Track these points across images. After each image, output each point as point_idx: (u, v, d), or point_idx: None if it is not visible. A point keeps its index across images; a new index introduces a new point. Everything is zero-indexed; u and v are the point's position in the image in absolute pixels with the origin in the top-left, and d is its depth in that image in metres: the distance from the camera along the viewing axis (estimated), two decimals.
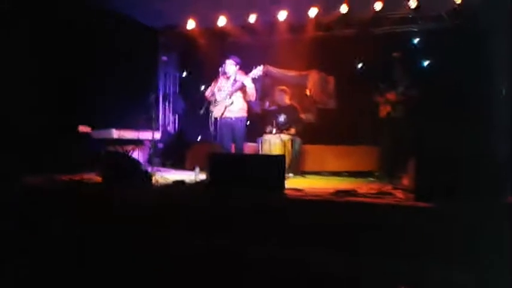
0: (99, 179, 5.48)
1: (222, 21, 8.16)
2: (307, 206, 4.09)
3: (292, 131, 6.92)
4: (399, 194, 4.49)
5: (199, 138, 9.01)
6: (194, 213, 4.21)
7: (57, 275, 2.91)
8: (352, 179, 6.57)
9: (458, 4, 6.95)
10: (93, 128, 6.62)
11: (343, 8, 7.44)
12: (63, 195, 4.75)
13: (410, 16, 7.54)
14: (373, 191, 4.56)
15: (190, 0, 7.32)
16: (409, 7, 7.22)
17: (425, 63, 7.69)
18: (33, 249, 3.58)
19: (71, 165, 6.05)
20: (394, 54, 6.59)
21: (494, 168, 4.01)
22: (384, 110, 6.58)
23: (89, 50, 7.00)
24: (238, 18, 8.07)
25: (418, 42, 7.78)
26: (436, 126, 6.71)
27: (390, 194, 4.48)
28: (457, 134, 6.11)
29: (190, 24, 8.40)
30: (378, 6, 7.27)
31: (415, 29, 7.70)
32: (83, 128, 6.66)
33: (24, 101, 6.25)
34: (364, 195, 4.36)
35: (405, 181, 4.74)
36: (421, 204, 3.87)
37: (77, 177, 5.51)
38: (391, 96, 6.48)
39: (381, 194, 4.47)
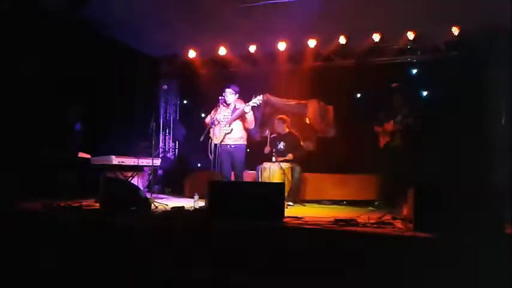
0: (97, 205, 5.46)
1: (222, 51, 8.31)
2: (307, 234, 4.07)
3: (290, 156, 6.94)
4: (398, 224, 4.47)
5: (198, 165, 9.02)
6: (192, 240, 4.18)
7: None
8: (352, 208, 6.54)
9: (456, 35, 7.08)
10: (92, 155, 6.63)
11: (342, 39, 7.59)
12: (61, 221, 4.72)
13: (408, 47, 7.68)
14: (372, 221, 4.54)
15: (191, 31, 7.46)
16: (407, 38, 7.36)
17: (424, 93, 7.78)
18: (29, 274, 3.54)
19: (70, 192, 6.04)
20: (393, 85, 6.67)
21: (494, 199, 4.01)
22: (383, 140, 6.63)
23: (90, 77, 7.10)
24: (239, 49, 8.23)
25: (417, 72, 7.90)
26: (434, 156, 6.74)
27: (390, 223, 4.46)
28: (456, 164, 6.13)
29: (191, 54, 8.55)
30: (376, 37, 7.43)
31: (414, 60, 7.82)
32: (82, 154, 6.69)
33: (25, 125, 6.32)
34: (363, 225, 4.34)
35: (405, 211, 4.72)
36: (420, 234, 3.84)
37: (75, 204, 5.49)
38: (389, 126, 6.54)
39: (380, 223, 4.44)
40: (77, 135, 6.85)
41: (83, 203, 5.57)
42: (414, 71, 7.94)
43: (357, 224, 4.37)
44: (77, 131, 6.88)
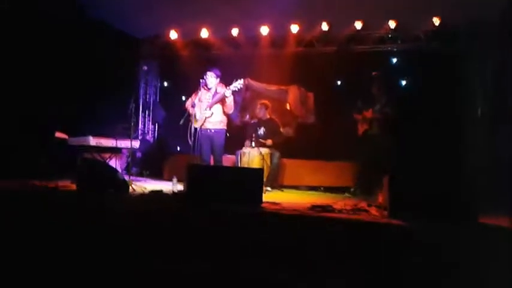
0: (74, 186, 5.40)
1: (204, 33, 8.21)
2: (284, 220, 4.12)
3: (269, 141, 6.97)
4: (373, 211, 4.56)
5: (178, 148, 8.98)
6: (170, 225, 4.19)
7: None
8: (329, 194, 6.64)
9: (437, 26, 7.15)
10: (70, 135, 6.53)
11: (324, 26, 7.59)
12: (36, 201, 4.66)
13: (389, 36, 7.72)
14: (348, 207, 4.62)
15: (173, 12, 7.35)
16: (389, 27, 7.41)
17: (403, 82, 7.87)
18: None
19: (46, 172, 5.95)
20: (373, 73, 6.73)
21: (466, 188, 4.12)
22: (362, 128, 6.70)
23: (69, 56, 6.95)
24: (221, 31, 8.13)
25: (397, 61, 7.97)
26: (410, 145, 6.85)
27: (365, 210, 4.55)
28: (432, 153, 6.24)
29: (173, 35, 8.42)
30: (358, 25, 7.45)
31: (394, 49, 7.88)
32: (59, 134, 6.58)
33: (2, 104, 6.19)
34: (339, 211, 4.42)
35: (380, 198, 4.81)
36: (394, 221, 3.93)
37: (51, 184, 5.42)
38: (368, 113, 6.61)
39: (356, 210, 4.53)
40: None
41: (59, 184, 5.51)
42: (394, 60, 8.01)
43: (333, 210, 4.45)
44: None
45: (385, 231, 3.84)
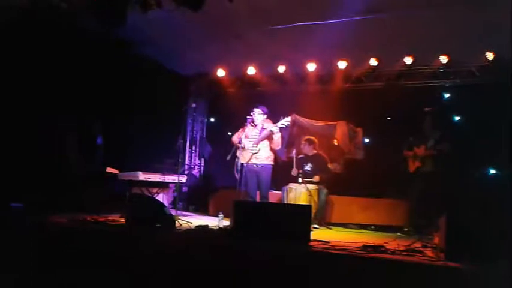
0: (123, 220, 5.48)
1: (251, 70, 8.34)
2: (334, 259, 3.96)
3: (316, 178, 6.84)
4: (429, 252, 4.31)
5: (224, 184, 8.99)
6: (215, 261, 4.12)
7: None
8: (380, 234, 6.37)
9: (490, 60, 6.93)
10: (120, 170, 6.69)
11: (373, 61, 7.52)
12: (87, 235, 4.74)
13: (441, 71, 7.54)
14: (402, 248, 4.39)
15: (221, 50, 7.53)
16: (440, 62, 7.25)
17: (457, 118, 7.60)
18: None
19: (97, 206, 6.08)
20: (426, 109, 6.54)
21: None
22: (413, 165, 6.47)
23: (122, 94, 7.22)
24: (268, 68, 8.24)
25: (449, 96, 7.74)
26: (466, 183, 6.53)
27: (420, 252, 4.30)
28: (489, 191, 5.91)
29: (220, 73, 8.61)
30: (409, 60, 7.33)
31: (447, 84, 7.66)
32: (110, 169, 6.76)
33: (55, 141, 6.44)
34: (392, 252, 4.20)
35: (436, 239, 4.55)
36: (451, 264, 3.69)
37: (101, 218, 5.51)
38: (420, 151, 6.39)
39: (410, 251, 4.29)
40: (99, 150, 6.92)
41: (109, 218, 5.60)
42: (447, 95, 7.78)
43: (385, 251, 4.23)
44: (98, 146, 6.95)
45: (442, 274, 3.61)
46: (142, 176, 6.33)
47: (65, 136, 6.64)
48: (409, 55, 7.29)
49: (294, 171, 6.84)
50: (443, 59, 7.19)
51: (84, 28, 6.13)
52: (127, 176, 6.48)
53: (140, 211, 5.26)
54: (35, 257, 4.34)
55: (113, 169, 6.76)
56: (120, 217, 5.72)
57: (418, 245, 4.65)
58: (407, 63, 7.39)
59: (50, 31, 6.03)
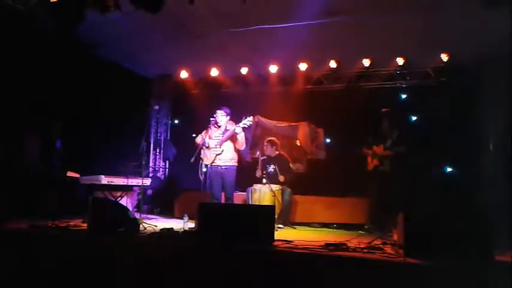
0: (85, 225, 5.38)
1: (214, 72, 8.37)
2: (297, 258, 4.04)
3: (282, 178, 6.92)
4: (388, 249, 4.46)
5: (189, 186, 8.96)
6: (180, 263, 4.13)
7: None
8: (342, 232, 6.52)
9: (445, 62, 7.21)
10: (82, 174, 6.57)
11: (333, 64, 7.70)
12: (48, 241, 4.64)
13: (398, 72, 7.79)
14: (362, 245, 4.52)
15: (184, 52, 7.51)
16: (397, 64, 7.49)
17: (413, 118, 7.86)
18: None
19: (58, 211, 5.95)
20: (383, 110, 6.74)
21: (483, 225, 4.02)
22: (372, 164, 6.66)
23: (83, 96, 7.08)
24: (231, 70, 8.29)
25: (406, 97, 8.00)
26: (423, 181, 6.77)
27: (380, 249, 4.44)
28: (445, 189, 6.16)
29: (183, 74, 8.59)
30: (366, 62, 7.55)
31: (403, 85, 7.92)
32: (71, 174, 6.63)
33: (14, 144, 6.26)
34: (353, 250, 4.32)
35: (395, 236, 4.71)
36: (411, 260, 3.83)
37: (62, 224, 5.40)
38: (378, 149, 6.58)
39: (370, 248, 4.43)
40: (58, 154, 6.78)
41: (70, 223, 5.49)
42: (404, 96, 8.04)
43: (347, 249, 4.35)
44: (57, 150, 6.80)
45: (402, 271, 3.74)
46: (104, 180, 6.24)
47: (22, 139, 6.47)
48: (367, 57, 7.50)
49: (258, 173, 6.91)
50: (400, 61, 7.46)
51: (43, 29, 5.98)
52: (89, 179, 6.37)
53: (103, 215, 5.17)
54: None
55: (74, 173, 6.64)
56: (82, 222, 5.62)
57: (378, 242, 4.80)
58: (365, 65, 7.60)
59: (7, 32, 5.86)
